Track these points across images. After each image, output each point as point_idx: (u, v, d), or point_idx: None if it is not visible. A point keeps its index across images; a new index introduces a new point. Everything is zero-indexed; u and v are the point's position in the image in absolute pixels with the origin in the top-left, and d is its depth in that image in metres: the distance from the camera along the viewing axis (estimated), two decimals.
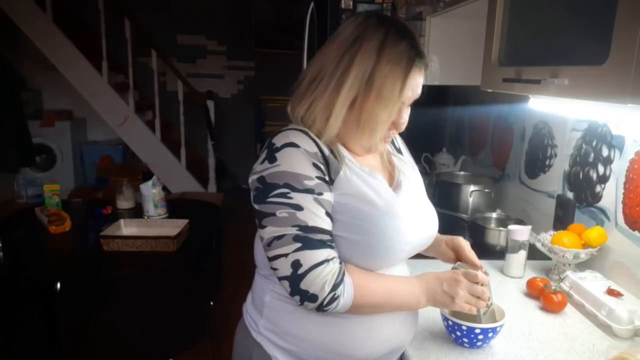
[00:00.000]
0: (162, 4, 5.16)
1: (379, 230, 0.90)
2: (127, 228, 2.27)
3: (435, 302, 0.96)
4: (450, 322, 1.03)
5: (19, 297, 1.93)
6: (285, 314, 0.96)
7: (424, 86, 0.94)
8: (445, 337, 1.09)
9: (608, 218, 1.37)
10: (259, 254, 0.99)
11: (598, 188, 1.42)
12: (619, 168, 1.33)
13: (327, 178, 0.89)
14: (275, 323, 0.97)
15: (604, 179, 1.39)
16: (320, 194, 0.87)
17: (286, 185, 0.86)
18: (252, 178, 0.90)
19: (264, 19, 5.42)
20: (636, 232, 1.26)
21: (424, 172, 2.47)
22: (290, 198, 0.86)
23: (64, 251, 2.21)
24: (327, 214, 0.88)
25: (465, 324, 1.00)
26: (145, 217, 2.46)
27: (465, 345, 1.04)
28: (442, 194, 2.01)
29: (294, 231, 0.85)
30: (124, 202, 2.66)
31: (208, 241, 2.45)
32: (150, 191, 2.48)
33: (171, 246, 2.08)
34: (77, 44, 4.35)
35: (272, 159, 0.88)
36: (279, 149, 0.88)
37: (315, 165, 0.88)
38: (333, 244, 0.89)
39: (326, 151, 0.90)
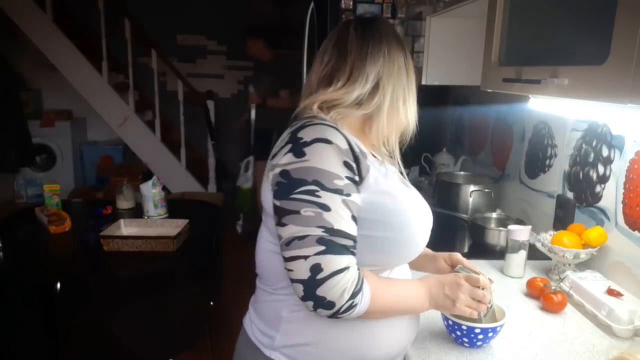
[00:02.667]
0: (162, 4, 5.15)
1: (410, 225, 0.91)
2: (127, 228, 2.27)
3: (437, 305, 0.96)
4: (450, 322, 1.03)
5: (19, 297, 1.93)
6: (306, 325, 0.91)
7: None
8: (446, 336, 1.09)
9: (608, 218, 1.37)
10: (266, 265, 0.95)
11: (598, 188, 1.42)
12: (619, 168, 1.33)
13: (356, 178, 0.85)
14: (295, 337, 0.92)
15: (604, 179, 1.39)
16: (349, 195, 0.83)
17: (315, 183, 0.81)
18: (275, 172, 0.86)
19: (264, 19, 5.42)
20: (636, 232, 1.26)
21: (424, 172, 2.49)
22: (319, 197, 0.81)
23: (64, 251, 2.21)
24: (353, 217, 0.84)
25: (466, 323, 1.00)
26: (145, 217, 2.46)
27: (465, 345, 1.04)
28: (442, 194, 2.01)
29: (318, 232, 0.81)
30: (124, 202, 2.66)
31: (208, 241, 2.45)
32: (150, 191, 2.48)
33: (171, 246, 2.08)
34: (77, 44, 4.35)
35: (299, 153, 0.83)
36: (308, 144, 0.83)
37: (346, 163, 0.84)
38: (355, 251, 0.85)
39: (356, 149, 0.87)
